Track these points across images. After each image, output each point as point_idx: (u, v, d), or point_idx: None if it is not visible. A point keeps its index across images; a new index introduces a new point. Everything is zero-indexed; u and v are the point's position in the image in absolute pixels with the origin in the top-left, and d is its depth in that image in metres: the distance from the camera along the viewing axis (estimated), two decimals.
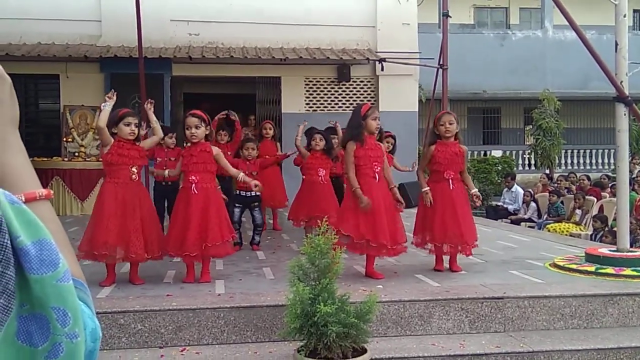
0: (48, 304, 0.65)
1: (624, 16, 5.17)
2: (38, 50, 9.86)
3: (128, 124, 4.59)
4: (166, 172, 5.43)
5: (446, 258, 5.13)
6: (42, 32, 10.19)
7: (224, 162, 4.92)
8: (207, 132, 4.81)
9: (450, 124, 5.02)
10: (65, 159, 10.07)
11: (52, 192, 0.82)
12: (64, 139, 10.41)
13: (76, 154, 10.24)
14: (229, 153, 6.61)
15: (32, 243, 0.65)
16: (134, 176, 4.61)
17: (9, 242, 0.63)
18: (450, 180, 5.00)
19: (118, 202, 4.53)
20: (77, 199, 9.54)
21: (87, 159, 9.95)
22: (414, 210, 5.45)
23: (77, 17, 10.35)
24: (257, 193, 6.36)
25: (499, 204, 12.33)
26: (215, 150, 4.87)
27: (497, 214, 11.61)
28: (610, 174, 14.99)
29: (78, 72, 10.36)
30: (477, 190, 5.24)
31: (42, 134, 11.57)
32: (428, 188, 5.08)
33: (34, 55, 9.67)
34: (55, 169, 9.48)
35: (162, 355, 3.68)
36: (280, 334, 3.59)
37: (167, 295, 4.25)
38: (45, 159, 9.63)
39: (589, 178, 11.83)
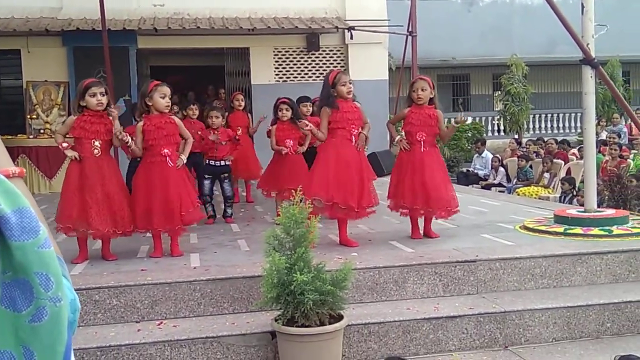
0: (31, 269, 0.67)
1: None
2: None
3: (94, 95, 4.46)
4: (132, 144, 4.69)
5: (422, 225, 5.16)
6: (1, 6, 9.85)
7: (185, 131, 4.88)
8: None
9: (423, 90, 5.01)
10: (31, 137, 9.85)
11: (24, 170, 0.82)
12: (28, 116, 10.17)
13: (41, 130, 10.02)
14: (198, 132, 6.51)
15: (12, 211, 0.66)
16: (96, 150, 4.50)
17: None
18: (422, 143, 4.98)
19: (80, 177, 4.47)
20: (44, 177, 9.37)
21: (53, 136, 9.74)
22: (387, 179, 5.48)
23: None
24: (227, 163, 6.33)
25: (470, 169, 12.48)
26: (177, 120, 4.86)
27: (468, 179, 11.76)
28: (577, 138, 15.26)
29: (40, 46, 10.08)
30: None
31: (5, 111, 11.27)
32: (399, 137, 5.12)
33: None
34: (21, 147, 9.28)
35: (139, 330, 3.67)
36: (257, 304, 3.61)
37: (142, 270, 4.23)
38: (10, 137, 9.39)
39: (557, 142, 12.03)
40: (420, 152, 4.98)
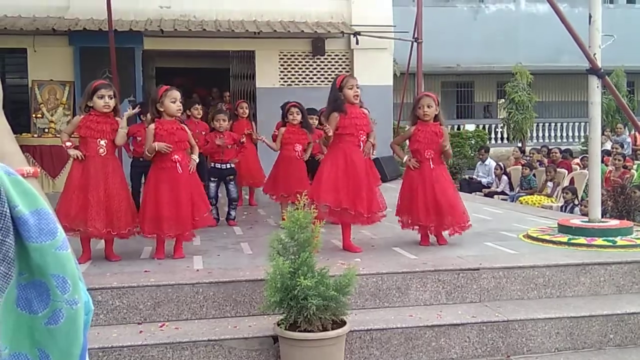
0: (48, 271, 0.66)
1: None
2: (4, 23, 9.58)
3: (101, 97, 4.49)
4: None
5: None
6: (8, 5, 9.88)
7: (192, 140, 4.93)
8: None
9: (429, 107, 5.01)
10: (35, 135, 9.87)
11: (38, 170, 0.82)
12: (33, 115, 10.19)
13: (46, 130, 10.04)
14: (203, 133, 6.54)
15: (30, 212, 0.66)
16: (101, 150, 4.50)
17: (8, 210, 0.64)
18: (431, 160, 4.98)
19: (84, 176, 4.47)
20: (48, 176, 9.38)
21: (58, 135, 9.73)
22: (390, 185, 5.48)
23: None
24: (232, 165, 6.35)
25: (473, 177, 12.46)
26: (186, 127, 4.92)
27: (471, 187, 11.74)
28: (580, 147, 15.25)
29: (46, 45, 10.11)
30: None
31: (10, 109, 11.27)
32: (407, 156, 5.12)
33: (0, 29, 9.39)
34: (25, 146, 9.28)
35: (140, 331, 3.67)
36: (260, 308, 3.61)
37: (145, 271, 4.23)
38: (14, 136, 9.37)
39: (561, 151, 12.02)
40: (430, 169, 4.97)
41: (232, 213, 6.38)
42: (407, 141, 5.28)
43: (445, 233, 5.10)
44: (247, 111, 7.68)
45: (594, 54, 5.17)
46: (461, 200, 5.20)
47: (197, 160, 4.89)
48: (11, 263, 0.65)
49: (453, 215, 4.92)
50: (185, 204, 4.63)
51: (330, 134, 4.78)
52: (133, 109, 5.04)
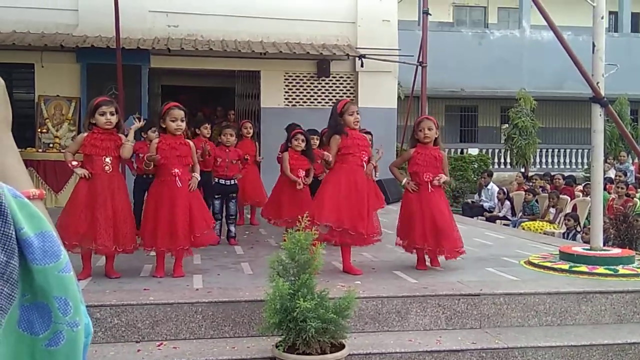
0: (51, 293, 0.67)
1: (602, 18, 5.25)
2: (13, 38, 9.68)
3: (103, 114, 4.52)
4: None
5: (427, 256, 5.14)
6: (17, 20, 10.01)
7: (195, 158, 4.96)
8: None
9: (429, 129, 5.04)
10: (40, 150, 9.92)
11: (44, 192, 0.83)
12: (38, 130, 10.25)
13: (50, 145, 10.09)
14: (209, 148, 6.59)
15: (35, 235, 0.67)
16: (107, 167, 4.54)
17: (13, 233, 0.65)
18: (429, 184, 5.00)
19: (90, 193, 4.49)
20: (51, 190, 9.40)
21: (62, 150, 9.79)
22: (392, 207, 5.48)
23: (53, 5, 10.18)
24: (235, 182, 6.40)
25: (474, 200, 12.46)
26: (191, 144, 4.93)
27: (473, 211, 11.73)
28: (583, 174, 15.24)
29: (53, 61, 10.20)
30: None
31: (15, 124, 11.25)
32: (406, 179, 5.13)
33: (8, 44, 9.49)
34: (29, 160, 9.32)
35: (138, 350, 3.65)
36: (259, 329, 3.59)
37: (144, 289, 4.22)
38: (19, 150, 9.42)
39: (564, 177, 12.02)
40: (428, 192, 4.98)
41: (232, 229, 6.39)
42: (407, 164, 5.29)
43: (441, 257, 5.09)
44: (251, 131, 7.72)
45: (597, 83, 5.19)
46: (456, 225, 5.19)
47: (199, 179, 4.90)
48: (15, 284, 0.65)
49: (448, 240, 4.91)
50: (181, 219, 4.63)
51: (330, 159, 4.81)
52: (139, 121, 5.08)
